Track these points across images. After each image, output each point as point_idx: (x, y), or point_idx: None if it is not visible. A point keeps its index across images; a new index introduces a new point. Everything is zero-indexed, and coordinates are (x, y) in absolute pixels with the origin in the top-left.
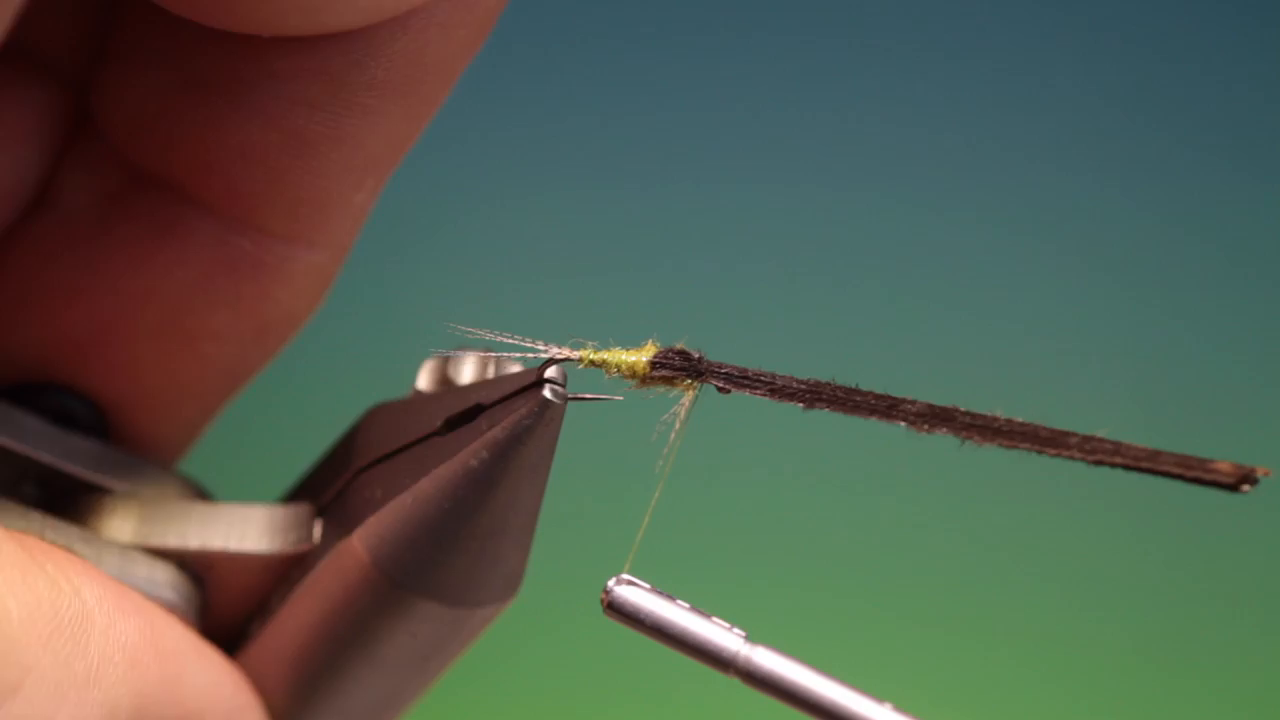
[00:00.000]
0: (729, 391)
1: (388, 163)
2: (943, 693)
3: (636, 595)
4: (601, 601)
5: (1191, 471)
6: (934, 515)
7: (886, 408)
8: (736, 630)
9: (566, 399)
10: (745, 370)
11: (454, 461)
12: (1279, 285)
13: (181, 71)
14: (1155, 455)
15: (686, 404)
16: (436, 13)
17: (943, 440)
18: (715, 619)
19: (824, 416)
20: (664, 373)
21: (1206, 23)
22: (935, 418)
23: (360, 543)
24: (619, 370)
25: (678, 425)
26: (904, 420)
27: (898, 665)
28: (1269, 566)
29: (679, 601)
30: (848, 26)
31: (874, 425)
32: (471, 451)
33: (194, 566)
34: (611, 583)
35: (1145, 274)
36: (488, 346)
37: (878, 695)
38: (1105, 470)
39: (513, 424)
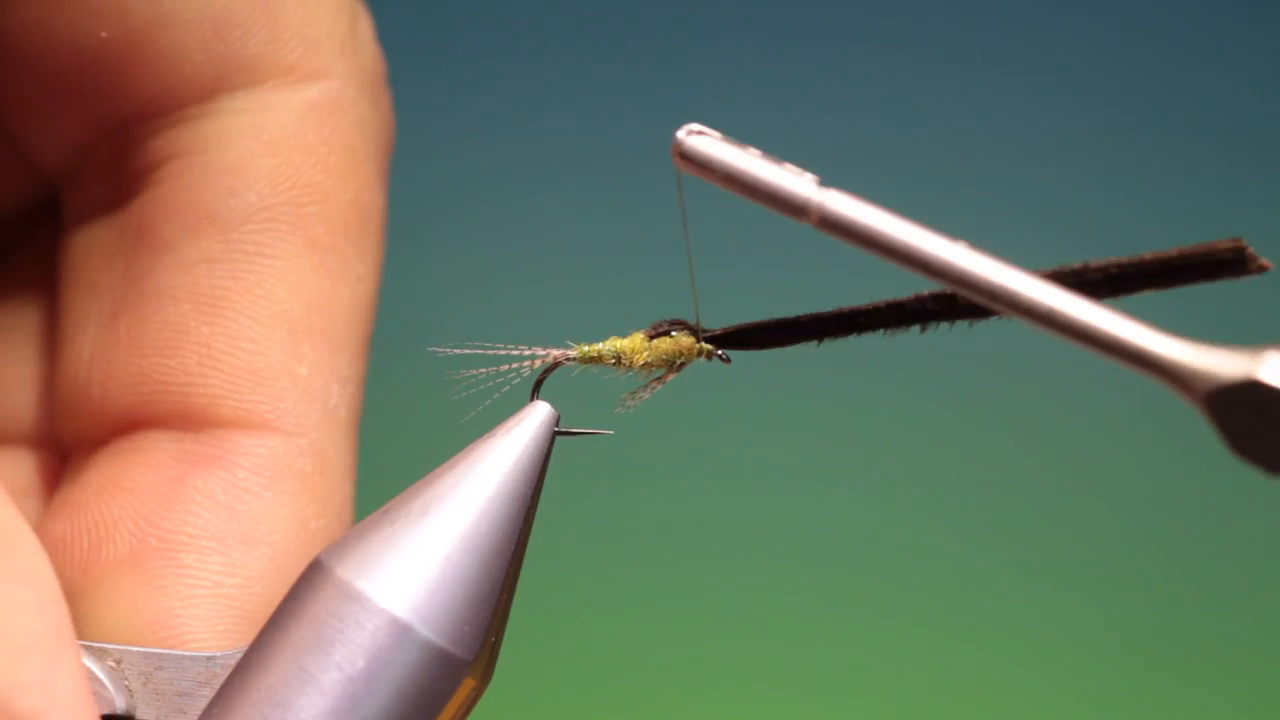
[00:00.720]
0: (729, 361)
1: (319, 329)
2: (945, 694)
3: (707, 144)
4: (671, 151)
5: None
6: (931, 516)
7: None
8: (808, 175)
9: (555, 433)
10: (745, 325)
11: (434, 476)
12: (1275, 282)
13: (102, 314)
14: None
15: (690, 352)
16: (288, 125)
17: (942, 438)
18: (787, 165)
19: (823, 407)
20: (667, 327)
21: (1206, 22)
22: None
23: (325, 556)
24: (618, 358)
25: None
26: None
27: (895, 668)
28: (1269, 566)
29: (750, 149)
30: (847, 26)
31: (868, 415)
32: (458, 466)
33: (130, 672)
34: (681, 132)
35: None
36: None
37: (878, 692)
38: (1104, 466)
39: (498, 438)
